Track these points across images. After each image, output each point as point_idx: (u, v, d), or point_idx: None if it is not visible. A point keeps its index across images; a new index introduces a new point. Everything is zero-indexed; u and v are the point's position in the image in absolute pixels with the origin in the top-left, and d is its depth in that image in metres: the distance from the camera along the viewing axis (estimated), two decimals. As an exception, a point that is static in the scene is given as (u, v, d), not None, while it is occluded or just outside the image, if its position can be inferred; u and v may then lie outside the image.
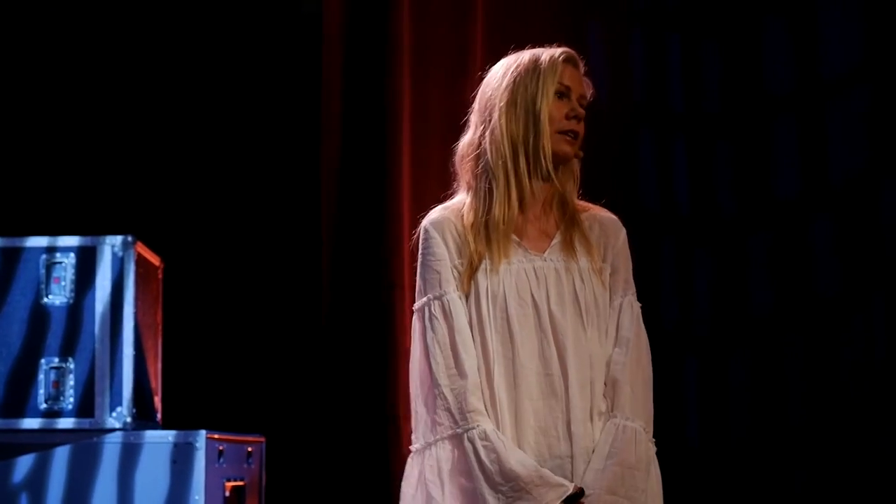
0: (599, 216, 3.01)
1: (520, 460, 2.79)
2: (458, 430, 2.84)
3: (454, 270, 2.91)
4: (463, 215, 2.95)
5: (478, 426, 2.82)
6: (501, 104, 2.93)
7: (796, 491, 4.73)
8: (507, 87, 2.93)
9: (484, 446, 2.80)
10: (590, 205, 3.04)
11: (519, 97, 2.92)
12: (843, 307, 4.70)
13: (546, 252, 2.92)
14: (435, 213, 2.99)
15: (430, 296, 2.91)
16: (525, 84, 2.92)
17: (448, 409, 2.85)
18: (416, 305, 2.94)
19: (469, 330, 2.88)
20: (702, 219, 4.90)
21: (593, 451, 2.84)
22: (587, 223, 2.97)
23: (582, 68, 2.98)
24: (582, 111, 2.95)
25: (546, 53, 2.95)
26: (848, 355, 4.69)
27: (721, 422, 4.81)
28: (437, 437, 2.86)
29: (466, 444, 2.82)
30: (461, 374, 2.85)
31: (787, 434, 4.75)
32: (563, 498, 2.77)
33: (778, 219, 4.82)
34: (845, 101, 4.74)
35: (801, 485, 4.72)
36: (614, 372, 2.88)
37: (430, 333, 2.89)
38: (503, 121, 2.92)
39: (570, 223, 2.95)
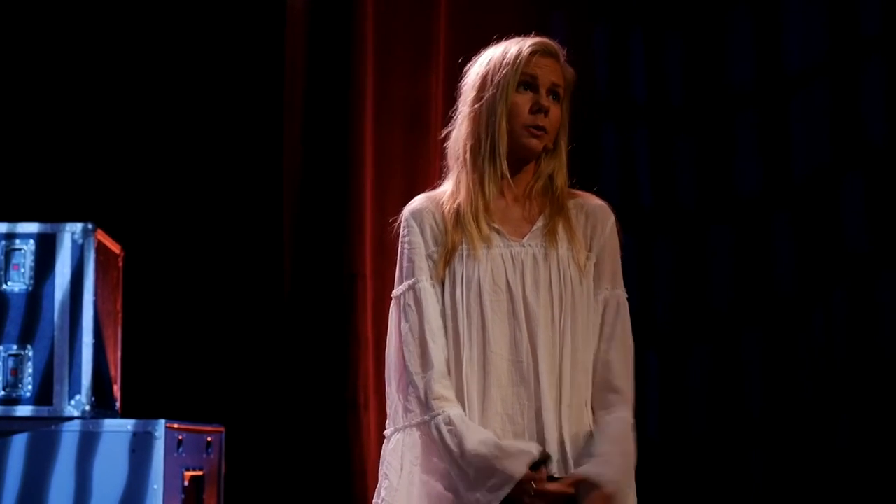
0: (588, 204, 2.98)
1: (482, 440, 2.79)
2: (425, 418, 2.85)
3: (429, 259, 2.91)
4: (444, 203, 2.94)
5: (443, 412, 2.83)
6: (470, 96, 2.93)
7: (754, 483, 4.76)
8: (478, 78, 2.93)
9: (449, 431, 2.81)
10: (580, 192, 3.01)
11: (486, 91, 2.91)
12: (803, 301, 4.72)
13: (525, 238, 2.91)
14: (415, 201, 2.98)
15: (405, 284, 2.92)
16: (492, 77, 2.90)
17: (418, 397, 2.86)
18: (394, 293, 2.95)
19: (440, 318, 2.88)
20: (663, 211, 4.91)
21: (587, 439, 2.85)
22: (574, 211, 2.94)
23: (560, 56, 2.96)
24: (547, 104, 2.91)
25: (516, 45, 2.92)
26: (807, 349, 4.71)
27: (680, 414, 4.83)
28: (407, 423, 2.88)
29: (433, 431, 2.83)
30: (428, 362, 2.86)
31: (746, 427, 4.77)
32: (531, 464, 2.77)
33: (739, 212, 4.84)
34: (808, 96, 4.76)
35: (758, 476, 4.75)
36: (604, 368, 2.89)
37: (404, 322, 2.90)
38: (470, 113, 2.92)
39: (554, 210, 2.93)
